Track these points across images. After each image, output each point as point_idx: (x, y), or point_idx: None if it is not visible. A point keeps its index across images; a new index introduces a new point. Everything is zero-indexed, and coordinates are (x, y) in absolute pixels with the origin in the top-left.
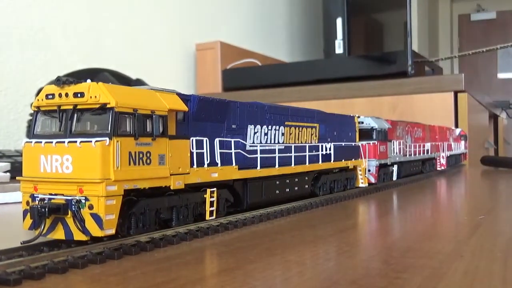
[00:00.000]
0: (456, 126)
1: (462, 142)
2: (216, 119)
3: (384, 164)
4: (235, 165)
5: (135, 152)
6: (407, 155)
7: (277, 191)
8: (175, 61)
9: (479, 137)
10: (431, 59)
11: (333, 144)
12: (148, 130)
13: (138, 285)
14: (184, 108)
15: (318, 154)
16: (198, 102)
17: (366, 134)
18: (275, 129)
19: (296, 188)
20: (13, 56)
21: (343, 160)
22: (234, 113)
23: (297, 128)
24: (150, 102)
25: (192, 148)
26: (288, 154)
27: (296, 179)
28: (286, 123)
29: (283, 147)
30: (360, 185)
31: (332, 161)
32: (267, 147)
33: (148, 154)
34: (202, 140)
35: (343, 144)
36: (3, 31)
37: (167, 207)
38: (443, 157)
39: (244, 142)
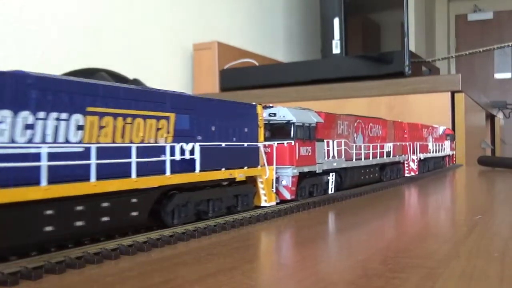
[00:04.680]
0: (453, 126)
1: (447, 143)
2: None
3: (311, 172)
4: None
5: None
6: (354, 159)
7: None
8: (172, 61)
9: (476, 137)
10: (428, 59)
11: (202, 145)
12: None
13: (135, 286)
14: None
15: (166, 161)
16: None
17: (281, 130)
18: (55, 119)
19: (108, 219)
20: (11, 55)
21: (223, 169)
22: None
23: (118, 118)
24: None
25: None
26: (86, 162)
27: (107, 205)
28: (88, 109)
29: (80, 149)
30: (263, 203)
31: (197, 170)
32: (23, 151)
33: None
34: None
35: (223, 145)
36: (0, 30)
37: None
38: (413, 160)
39: None
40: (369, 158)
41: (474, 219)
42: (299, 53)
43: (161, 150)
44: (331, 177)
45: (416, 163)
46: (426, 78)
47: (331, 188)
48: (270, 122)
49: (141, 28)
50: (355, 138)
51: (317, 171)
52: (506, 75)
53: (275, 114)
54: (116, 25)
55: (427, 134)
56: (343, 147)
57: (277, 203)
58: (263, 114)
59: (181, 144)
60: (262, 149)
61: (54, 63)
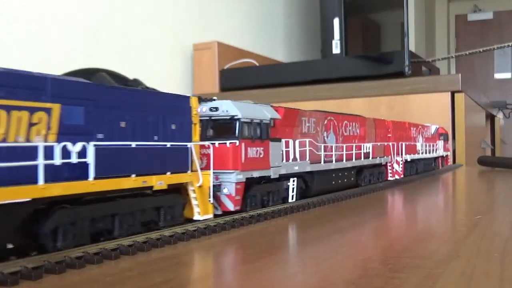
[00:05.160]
0: (453, 126)
1: (441, 143)
2: None
3: (265, 177)
4: None
5: None
6: (323, 162)
7: None
8: (172, 61)
9: (476, 137)
10: (428, 59)
11: (99, 145)
12: None
13: (135, 286)
14: None
15: (39, 166)
16: None
17: (224, 128)
18: None
19: None
20: (11, 55)
21: (133, 176)
22: None
23: None
24: None
25: None
26: None
27: None
28: None
29: None
30: (196, 217)
31: (91, 178)
32: None
33: None
34: None
35: (133, 146)
36: (1, 30)
37: None
38: (397, 162)
39: None
40: (342, 160)
41: (474, 219)
42: (299, 53)
43: (31, 152)
44: (292, 183)
45: (401, 165)
46: (426, 78)
47: (292, 196)
48: (212, 118)
49: (141, 28)
50: (325, 138)
51: (272, 176)
52: (506, 75)
53: (217, 109)
54: (116, 25)
55: (416, 134)
56: (307, 148)
57: (218, 215)
58: (199, 108)
59: (63, 144)
60: (194, 150)
61: (54, 63)
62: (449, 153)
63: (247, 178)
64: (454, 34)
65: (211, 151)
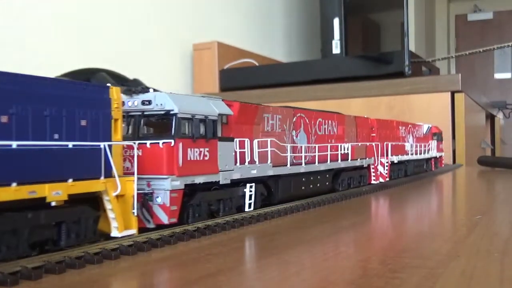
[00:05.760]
0: (453, 126)
1: (434, 143)
2: None
3: (213, 184)
4: None
5: None
6: (290, 165)
7: None
8: (172, 61)
9: (476, 137)
10: (428, 59)
11: None
12: None
13: (135, 286)
14: None
15: None
16: None
17: (160, 125)
18: None
19: None
20: (11, 55)
21: (14, 184)
22: None
23: None
24: None
25: None
26: None
27: None
28: None
29: None
30: (114, 233)
31: None
32: None
33: None
34: None
35: (14, 146)
36: (1, 31)
37: None
38: (382, 164)
39: None
40: (315, 163)
41: (474, 219)
42: (299, 53)
43: None
44: (249, 189)
45: (386, 167)
46: (426, 78)
47: (250, 204)
48: (145, 113)
49: (141, 28)
50: (294, 137)
51: (221, 182)
52: (506, 75)
53: (150, 102)
54: (116, 25)
55: (406, 133)
56: (269, 148)
57: (150, 229)
58: (131, 101)
59: None
60: (108, 152)
61: (54, 63)
62: (443, 154)
63: (187, 185)
64: (454, 34)
65: (135, 152)
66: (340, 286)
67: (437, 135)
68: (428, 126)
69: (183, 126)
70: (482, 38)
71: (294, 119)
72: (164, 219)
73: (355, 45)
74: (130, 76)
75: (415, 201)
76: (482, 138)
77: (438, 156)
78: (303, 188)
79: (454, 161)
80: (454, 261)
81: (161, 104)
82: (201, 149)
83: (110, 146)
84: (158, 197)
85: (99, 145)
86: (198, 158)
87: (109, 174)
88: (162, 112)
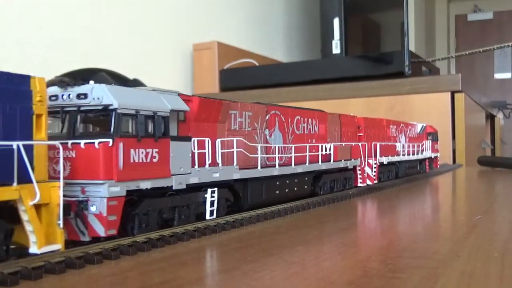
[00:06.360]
0: (453, 126)
1: (428, 143)
2: None
3: (164, 189)
4: None
5: None
6: (260, 167)
7: None
8: (172, 61)
9: (476, 137)
10: (428, 59)
11: None
12: None
13: (135, 286)
14: None
15: None
16: None
17: (97, 122)
18: None
19: None
20: (12, 55)
21: None
22: None
23: None
24: None
25: None
26: None
27: None
28: None
29: None
30: (32, 249)
31: None
32: None
33: None
34: None
35: None
36: (1, 31)
37: None
38: (370, 165)
39: None
40: (291, 165)
41: (474, 219)
42: (299, 53)
43: None
44: (211, 195)
45: (374, 169)
46: (426, 78)
47: (212, 211)
48: (81, 108)
49: (141, 28)
50: (267, 137)
51: (174, 187)
52: (506, 75)
53: (85, 96)
54: (116, 25)
55: (397, 133)
56: (235, 149)
57: (84, 243)
58: (65, 94)
59: None
60: (23, 152)
61: (54, 63)
62: (439, 155)
63: (129, 191)
64: (454, 34)
65: (61, 154)
66: (340, 286)
67: (432, 135)
68: (422, 126)
69: (124, 123)
70: (482, 38)
71: (267, 117)
72: (101, 231)
73: (355, 45)
74: (130, 76)
75: (413, 202)
76: (482, 138)
77: (433, 157)
78: (277, 192)
79: (454, 161)
80: (454, 261)
81: (98, 98)
82: (148, 150)
83: (29, 146)
84: (93, 205)
85: (11, 145)
86: (144, 160)
87: (26, 180)
88: (100, 107)
